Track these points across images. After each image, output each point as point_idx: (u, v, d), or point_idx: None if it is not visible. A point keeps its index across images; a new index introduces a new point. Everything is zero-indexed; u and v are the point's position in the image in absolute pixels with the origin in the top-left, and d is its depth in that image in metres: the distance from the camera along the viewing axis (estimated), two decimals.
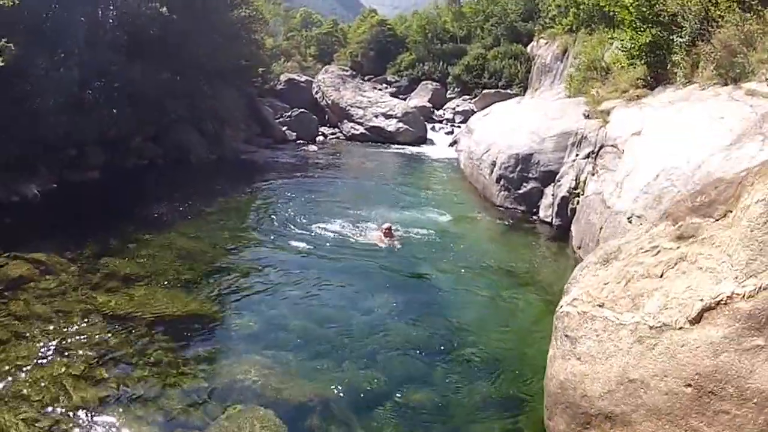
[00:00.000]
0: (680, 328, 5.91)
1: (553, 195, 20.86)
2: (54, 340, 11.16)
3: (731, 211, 6.06)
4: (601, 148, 19.49)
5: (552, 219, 20.41)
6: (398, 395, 10.23)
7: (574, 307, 7.47)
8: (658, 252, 6.67)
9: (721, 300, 5.60)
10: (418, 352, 11.64)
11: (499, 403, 10.23)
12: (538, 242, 19.27)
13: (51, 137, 19.94)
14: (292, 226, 18.65)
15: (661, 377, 5.96)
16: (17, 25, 18.68)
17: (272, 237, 17.65)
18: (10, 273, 13.55)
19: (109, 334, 11.47)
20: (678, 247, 6.46)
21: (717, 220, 6.23)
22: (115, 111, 22.71)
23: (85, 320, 11.92)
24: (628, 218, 14.58)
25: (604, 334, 6.79)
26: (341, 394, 10.17)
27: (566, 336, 7.43)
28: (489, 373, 11.09)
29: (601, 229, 15.96)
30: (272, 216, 19.90)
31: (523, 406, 9.89)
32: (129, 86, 23.59)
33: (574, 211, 19.25)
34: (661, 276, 6.42)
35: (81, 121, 21.16)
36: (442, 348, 11.85)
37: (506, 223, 20.78)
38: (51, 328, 11.58)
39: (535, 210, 21.43)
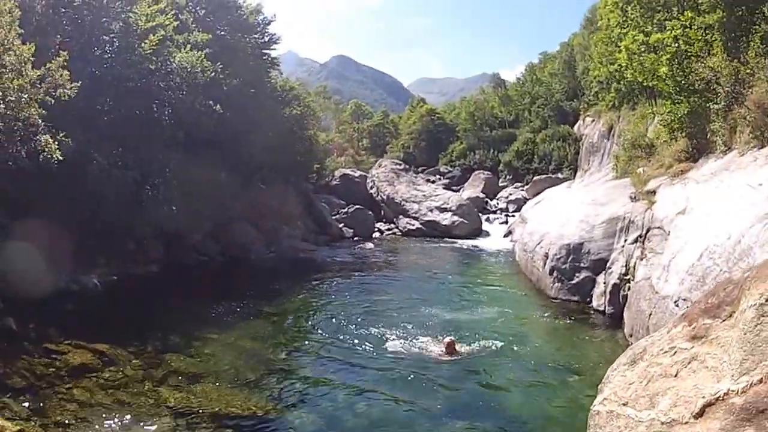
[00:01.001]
0: (686, 423, 6.22)
1: (604, 283, 20.75)
2: (118, 429, 11.39)
3: (735, 312, 6.34)
4: (648, 231, 19.48)
5: (605, 307, 20.24)
6: None
7: (604, 406, 7.76)
8: (675, 353, 6.95)
9: (719, 396, 5.96)
10: None
11: None
12: (591, 333, 19.00)
13: (110, 231, 20.66)
14: (350, 332, 18.58)
15: None
16: (74, 120, 19.20)
17: (330, 342, 17.61)
18: (72, 361, 13.88)
19: (173, 429, 11.63)
20: (692, 347, 6.73)
21: (723, 320, 6.50)
22: (174, 208, 23.26)
23: (148, 413, 12.10)
24: (675, 302, 14.40)
25: (626, 431, 7.08)
26: None
27: None
28: None
29: (650, 315, 15.76)
30: (330, 319, 19.93)
31: None
32: (187, 183, 24.22)
33: (625, 297, 19.05)
34: (676, 375, 6.72)
35: (140, 217, 21.84)
36: None
37: (561, 315, 20.55)
38: (114, 416, 11.77)
39: (588, 300, 21.28)
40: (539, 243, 25.22)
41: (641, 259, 19.05)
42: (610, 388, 7.88)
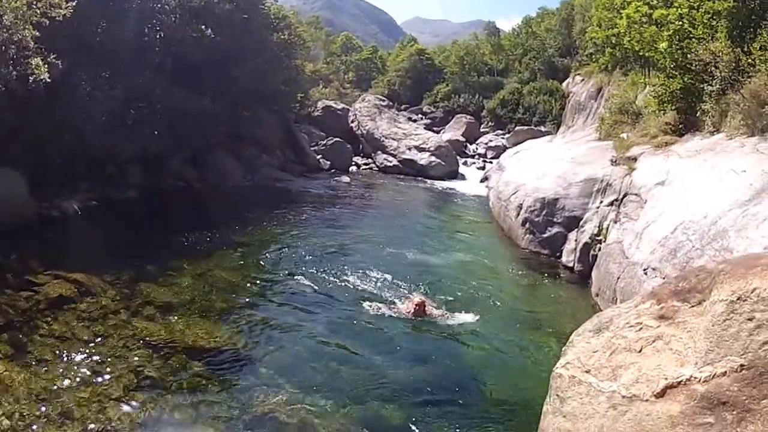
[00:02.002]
0: (647, 400, 6.47)
1: (576, 240, 21.08)
2: (94, 362, 11.67)
3: (705, 300, 6.54)
4: (625, 196, 19.76)
5: (574, 264, 20.61)
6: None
7: (566, 370, 7.96)
8: (641, 329, 7.14)
9: (682, 381, 6.21)
10: (431, 390, 12.12)
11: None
12: (558, 287, 19.44)
13: (93, 154, 20.58)
14: (319, 268, 18.73)
15: None
16: (66, 40, 19.09)
17: (297, 279, 17.78)
18: (51, 293, 14.05)
19: (146, 360, 11.96)
20: (658, 326, 6.94)
21: (692, 306, 6.72)
22: (156, 132, 23.27)
23: (124, 345, 12.43)
24: (644, 270, 14.78)
25: (587, 398, 7.34)
26: (363, 426, 10.65)
27: (557, 395, 7.96)
28: (500, 416, 11.60)
29: (618, 278, 16.22)
30: (300, 254, 20.10)
31: None
32: (171, 108, 24.14)
33: (595, 258, 19.39)
34: (640, 351, 6.95)
35: (122, 141, 21.76)
36: (457, 390, 12.26)
37: (530, 268, 20.96)
38: (92, 350, 12.09)
39: (558, 254, 21.68)
40: (514, 193, 25.46)
41: (615, 223, 19.41)
42: (573, 353, 8.10)
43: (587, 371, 7.60)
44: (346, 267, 18.75)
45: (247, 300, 15.90)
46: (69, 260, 15.54)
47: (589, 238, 20.28)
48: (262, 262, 18.91)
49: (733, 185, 14.39)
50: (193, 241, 19.57)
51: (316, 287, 16.95)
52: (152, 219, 21.47)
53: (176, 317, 14.00)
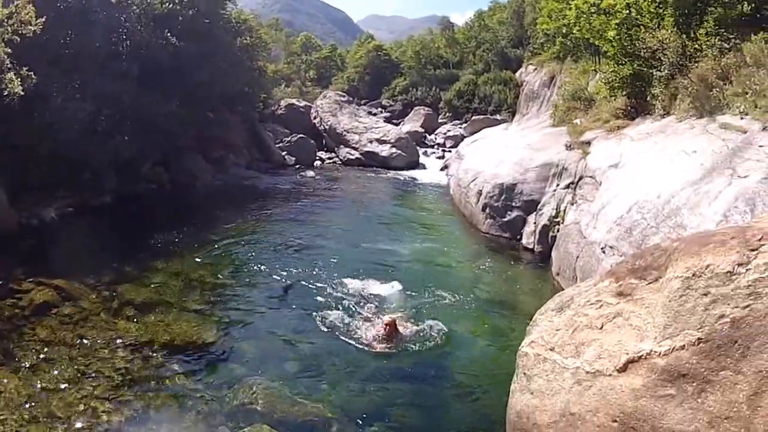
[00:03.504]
0: (610, 375, 6.80)
1: (535, 223, 21.69)
2: (79, 364, 12.06)
3: (661, 277, 6.84)
4: (580, 179, 20.36)
5: (534, 246, 21.23)
6: (390, 415, 11.25)
7: (531, 348, 8.35)
8: (601, 306, 7.47)
9: (642, 355, 6.51)
10: (403, 376, 12.58)
11: (474, 424, 11.18)
12: (520, 269, 20.03)
13: (69, 163, 20.74)
14: (291, 258, 19.42)
15: (594, 413, 6.88)
16: (37, 53, 19.34)
17: (274, 269, 18.29)
18: (35, 298, 14.37)
19: (129, 359, 12.41)
20: (617, 303, 7.25)
21: (649, 283, 7.01)
22: (126, 138, 23.47)
23: (107, 346, 12.86)
24: (602, 249, 15.30)
25: (552, 375, 7.69)
26: (337, 413, 11.06)
27: (524, 374, 8.32)
28: (471, 398, 12.10)
29: (577, 257, 16.76)
30: (274, 247, 20.66)
31: (493, 426, 10.57)
32: (140, 114, 24.40)
33: (554, 239, 19.99)
34: (601, 328, 7.28)
35: (95, 148, 21.99)
36: (431, 375, 12.80)
37: (492, 250, 21.56)
38: (76, 353, 12.49)
39: (518, 237, 22.28)
40: (473, 180, 25.96)
41: (572, 205, 20.03)
42: (537, 332, 8.47)
43: (551, 349, 7.94)
44: (314, 259, 19.27)
45: (222, 296, 16.39)
46: (50, 267, 15.97)
47: (548, 220, 20.90)
48: (234, 258, 19.36)
49: (685, 165, 14.85)
50: (167, 242, 20.00)
51: (287, 281, 17.41)
52: (127, 222, 21.74)
53: (155, 316, 14.49)
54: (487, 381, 12.58)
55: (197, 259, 18.68)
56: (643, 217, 14.49)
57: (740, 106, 15.48)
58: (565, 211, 20.40)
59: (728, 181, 12.69)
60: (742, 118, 15.10)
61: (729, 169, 13.06)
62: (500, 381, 10.93)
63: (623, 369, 6.71)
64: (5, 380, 11.21)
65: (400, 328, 14.06)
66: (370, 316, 15.03)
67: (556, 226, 20.35)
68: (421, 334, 14.27)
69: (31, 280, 15.21)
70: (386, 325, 13.78)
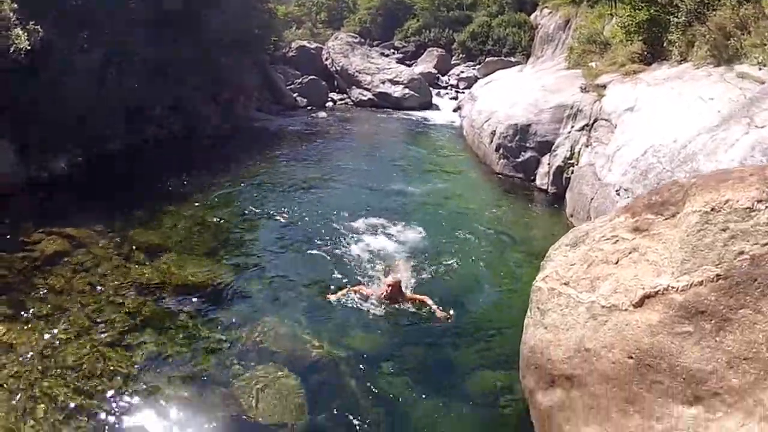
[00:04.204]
0: (626, 310, 6.74)
1: (549, 164, 21.70)
2: (92, 311, 12.23)
3: (678, 213, 6.77)
4: (595, 121, 20.29)
5: (548, 187, 21.31)
6: (398, 355, 11.51)
7: (545, 283, 8.33)
8: (617, 241, 7.43)
9: (659, 290, 6.43)
10: (419, 317, 12.77)
11: (489, 362, 11.44)
12: (534, 210, 20.16)
13: (77, 114, 20.50)
14: (303, 198, 19.51)
15: (609, 349, 6.83)
16: (43, 6, 19.12)
17: (286, 209, 18.41)
18: (46, 249, 14.50)
19: (141, 303, 12.58)
20: (633, 239, 7.21)
21: (666, 219, 6.94)
22: (136, 85, 23.24)
23: (118, 291, 13.00)
24: (617, 191, 15.41)
25: (567, 309, 7.65)
26: (348, 353, 11.34)
27: (538, 308, 8.30)
28: (481, 335, 12.33)
29: (592, 199, 16.87)
30: (286, 188, 20.66)
31: (509, 364, 10.83)
32: (149, 60, 24.10)
33: (568, 180, 20.11)
34: (617, 263, 7.23)
35: (104, 98, 21.77)
36: (441, 302, 12.98)
37: (505, 190, 21.71)
38: (88, 299, 12.62)
39: (532, 178, 22.31)
40: (487, 121, 25.93)
41: (586, 146, 20.02)
42: (551, 267, 8.44)
43: (566, 283, 7.90)
44: (326, 200, 19.37)
45: (233, 238, 16.49)
46: (61, 218, 15.96)
47: (562, 161, 20.94)
48: (245, 200, 19.36)
49: (702, 111, 14.80)
50: (178, 185, 20.00)
51: (298, 222, 17.50)
52: (137, 168, 21.67)
53: (166, 259, 14.55)
54: (500, 321, 12.73)
55: (208, 202, 18.73)
56: (659, 161, 14.51)
57: (758, 57, 15.34)
58: (579, 153, 20.41)
59: (745, 130, 12.65)
60: (760, 69, 15.01)
61: (746, 118, 13.00)
62: (514, 321, 11.01)
63: (639, 304, 6.64)
64: (17, 333, 11.38)
65: (405, 288, 13.51)
66: (379, 262, 14.97)
67: (571, 168, 20.40)
68: (433, 274, 14.42)
69: (41, 231, 15.28)
70: (389, 286, 13.15)
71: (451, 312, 12.77)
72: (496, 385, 10.83)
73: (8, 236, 15.02)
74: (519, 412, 9.88)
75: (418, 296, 13.38)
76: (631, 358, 6.59)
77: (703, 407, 5.91)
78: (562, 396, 7.59)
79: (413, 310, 13.00)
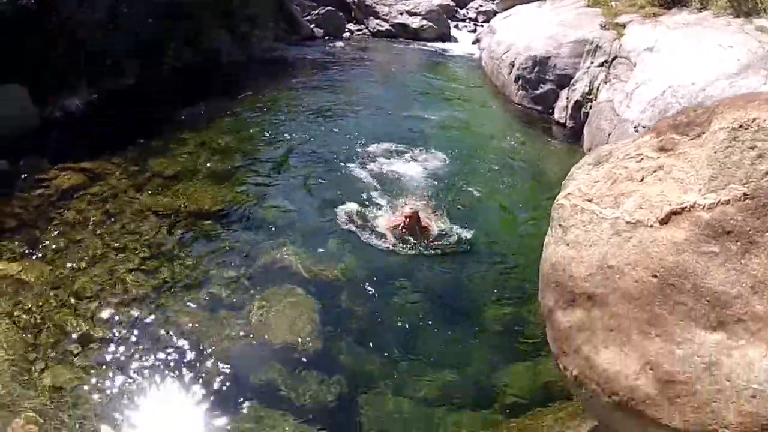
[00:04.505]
0: (651, 226, 6.63)
1: (567, 98, 21.80)
2: (108, 240, 12.49)
3: (704, 133, 6.67)
4: (614, 58, 20.36)
5: (566, 120, 21.45)
6: (413, 282, 11.93)
7: (568, 200, 8.19)
8: (642, 159, 7.31)
9: (686, 207, 6.34)
10: (431, 245, 13.18)
11: (506, 285, 11.93)
12: (552, 142, 20.40)
13: (90, 52, 20.22)
14: (320, 125, 19.61)
15: (633, 266, 6.70)
16: None
17: (303, 135, 18.61)
18: (61, 184, 14.57)
19: (157, 230, 12.89)
20: (658, 157, 7.09)
21: (692, 138, 6.83)
22: (150, 20, 22.84)
23: (135, 219, 13.24)
24: (635, 128, 15.63)
25: (590, 225, 7.52)
26: (364, 274, 11.75)
27: (559, 225, 8.19)
28: (497, 264, 12.78)
29: (609, 135, 17.07)
30: (302, 115, 20.66)
31: (523, 286, 11.44)
32: None
33: (586, 115, 20.25)
34: (641, 180, 7.13)
35: (118, 33, 21.42)
36: (467, 248, 13.35)
37: (524, 122, 21.91)
38: (104, 230, 12.85)
39: (550, 111, 22.42)
40: (506, 52, 25.92)
41: (605, 83, 20.10)
42: (574, 184, 8.32)
43: (589, 200, 7.75)
44: (345, 125, 19.53)
45: (249, 162, 16.67)
46: (76, 153, 15.91)
47: (581, 96, 21.04)
48: (263, 128, 19.41)
49: (721, 58, 15.01)
50: (194, 114, 19.94)
51: (315, 148, 17.68)
52: (152, 102, 21.27)
53: (182, 186, 14.80)
54: (519, 250, 13.15)
55: (224, 129, 18.81)
56: (678, 101, 14.77)
57: None
58: (598, 88, 20.51)
59: (764, 81, 12.93)
60: None
61: (765, 69, 13.28)
62: (534, 248, 10.96)
63: (665, 221, 6.55)
64: (32, 270, 11.56)
65: (424, 218, 13.63)
66: (396, 193, 15.17)
67: (589, 103, 20.53)
68: (452, 201, 14.87)
69: (56, 167, 15.33)
70: (407, 217, 13.24)
71: (468, 236, 13.27)
72: (511, 312, 11.27)
73: (24, 175, 15.05)
74: (535, 337, 10.38)
75: (433, 225, 13.67)
76: (655, 276, 6.48)
77: (726, 333, 5.87)
78: (582, 316, 7.43)
79: (431, 239, 13.31)
